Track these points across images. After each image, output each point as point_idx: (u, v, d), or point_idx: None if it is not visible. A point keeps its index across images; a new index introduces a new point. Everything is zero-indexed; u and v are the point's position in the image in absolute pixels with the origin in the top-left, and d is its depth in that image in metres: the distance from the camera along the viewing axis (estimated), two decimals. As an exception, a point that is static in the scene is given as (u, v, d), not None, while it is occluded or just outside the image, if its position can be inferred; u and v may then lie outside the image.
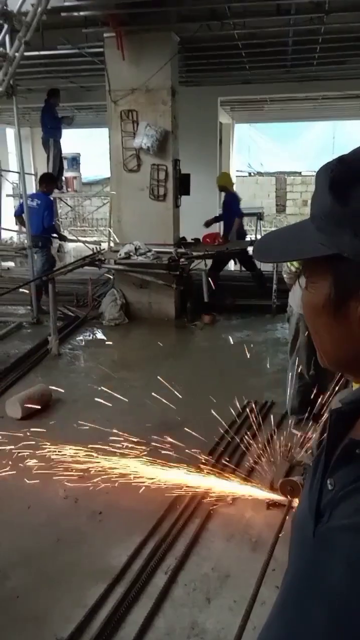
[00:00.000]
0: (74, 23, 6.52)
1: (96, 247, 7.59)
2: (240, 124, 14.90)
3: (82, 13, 6.24)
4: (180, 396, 4.00)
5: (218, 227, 8.73)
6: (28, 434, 3.71)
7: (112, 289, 7.16)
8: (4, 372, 5.16)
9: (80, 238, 9.78)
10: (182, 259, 6.65)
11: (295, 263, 3.40)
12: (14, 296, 6.77)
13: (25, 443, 3.60)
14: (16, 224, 9.31)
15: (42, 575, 2.62)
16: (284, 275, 3.96)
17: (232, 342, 6.16)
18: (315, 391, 3.75)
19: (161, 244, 6.85)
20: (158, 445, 3.44)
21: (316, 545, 0.60)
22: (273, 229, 0.79)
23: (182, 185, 7.12)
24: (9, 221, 10.95)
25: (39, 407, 4.27)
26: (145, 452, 3.43)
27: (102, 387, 4.63)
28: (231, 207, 8.30)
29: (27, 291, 6.73)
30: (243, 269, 8.50)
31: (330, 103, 11.96)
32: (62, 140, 9.61)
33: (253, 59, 8.29)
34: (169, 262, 6.49)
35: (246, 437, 3.75)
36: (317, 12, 6.23)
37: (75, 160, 10.10)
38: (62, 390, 4.64)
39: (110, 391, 4.60)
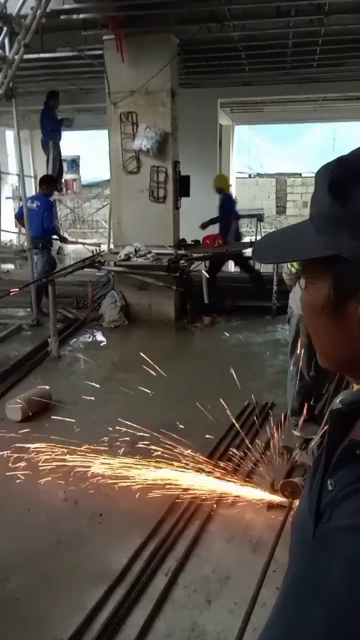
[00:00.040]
0: (74, 26, 6.53)
1: (96, 249, 7.60)
2: (240, 125, 14.92)
3: (81, 16, 6.25)
4: (180, 397, 4.00)
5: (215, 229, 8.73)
6: (28, 436, 3.71)
7: (112, 290, 7.17)
8: (4, 374, 5.16)
9: (80, 240, 9.78)
10: (182, 261, 6.65)
11: (295, 264, 3.40)
12: (13, 298, 6.77)
13: (24, 445, 3.60)
14: (16, 226, 9.33)
15: (42, 577, 2.62)
16: (284, 277, 3.96)
17: (232, 344, 6.17)
18: (315, 392, 3.75)
19: (161, 245, 6.85)
20: (158, 446, 3.43)
21: (316, 545, 0.60)
22: (273, 230, 0.79)
23: (182, 187, 7.13)
24: (9, 223, 10.96)
25: (39, 409, 4.27)
26: (145, 454, 3.43)
27: (102, 389, 4.64)
28: (227, 209, 8.31)
29: (32, 295, 6.71)
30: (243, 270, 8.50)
31: (330, 105, 11.99)
32: (61, 143, 9.63)
33: (253, 60, 8.31)
34: (169, 264, 6.49)
35: (246, 438, 3.75)
36: (317, 14, 6.24)
37: (74, 163, 10.12)
38: (62, 392, 4.64)
39: (110, 393, 4.61)
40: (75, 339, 6.41)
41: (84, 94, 10.35)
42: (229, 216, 8.30)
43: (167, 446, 3.40)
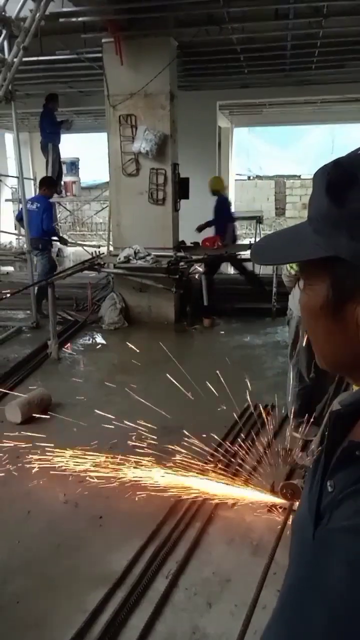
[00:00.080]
0: (73, 28, 6.54)
1: (95, 252, 7.60)
2: (239, 127, 14.94)
3: (80, 19, 6.27)
4: (180, 399, 4.00)
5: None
6: (28, 438, 3.70)
7: (112, 292, 7.17)
8: (4, 376, 5.15)
9: (79, 242, 9.79)
10: (181, 263, 6.65)
11: (294, 266, 3.40)
12: (13, 300, 6.78)
13: (24, 447, 3.60)
14: (16, 228, 9.33)
15: (43, 579, 2.61)
16: (284, 279, 3.97)
17: (232, 346, 6.17)
18: (315, 394, 3.74)
19: (160, 247, 6.86)
20: (158, 448, 3.43)
21: (316, 546, 0.60)
22: (272, 232, 0.79)
23: (181, 189, 7.14)
24: (9, 225, 10.97)
25: (39, 411, 4.26)
26: (145, 456, 3.42)
27: (102, 391, 4.64)
28: (222, 212, 8.31)
29: (31, 297, 6.71)
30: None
31: (329, 107, 12.01)
32: (60, 145, 9.64)
33: (251, 63, 8.32)
34: (169, 266, 6.50)
35: (246, 440, 3.74)
36: (315, 16, 6.25)
37: (74, 165, 10.10)
38: (62, 394, 4.64)
39: (109, 395, 4.60)
40: (75, 341, 6.41)
41: (83, 96, 10.37)
42: (225, 218, 8.30)
43: (167, 448, 3.40)
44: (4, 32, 5.63)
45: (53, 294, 5.85)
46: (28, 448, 3.59)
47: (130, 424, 3.67)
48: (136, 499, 3.13)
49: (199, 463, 3.35)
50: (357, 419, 0.64)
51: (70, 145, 12.57)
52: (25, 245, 7.10)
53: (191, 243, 7.76)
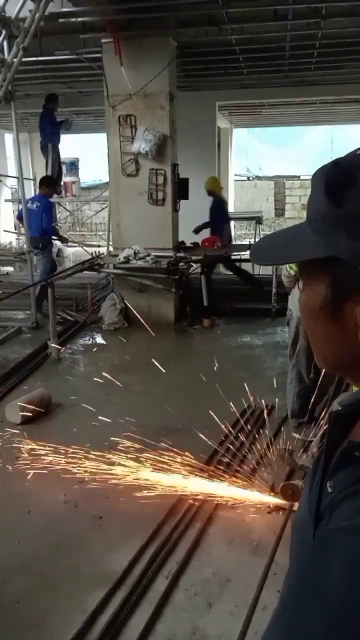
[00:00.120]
0: (72, 29, 6.54)
1: (95, 252, 7.60)
2: (238, 128, 14.96)
3: (80, 19, 6.27)
4: (179, 399, 4.00)
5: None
6: (27, 438, 3.70)
7: (112, 293, 7.17)
8: (4, 376, 5.15)
9: (79, 242, 9.79)
10: (181, 263, 6.65)
11: (294, 266, 3.41)
12: (13, 300, 6.78)
13: (24, 448, 3.59)
14: (16, 228, 9.34)
15: (43, 579, 2.61)
16: (283, 279, 3.97)
17: (231, 346, 6.17)
18: (315, 394, 3.74)
19: (160, 248, 6.86)
20: (158, 449, 3.43)
21: (316, 547, 0.60)
22: (271, 232, 0.79)
23: (181, 189, 7.14)
24: (9, 225, 10.97)
25: (39, 411, 4.26)
26: (145, 456, 3.42)
27: (102, 392, 4.63)
28: (219, 212, 8.31)
29: (31, 298, 6.71)
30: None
31: (327, 107, 12.01)
32: (60, 145, 9.64)
33: (251, 63, 8.33)
34: (168, 266, 6.50)
35: (246, 440, 3.74)
36: (314, 17, 6.26)
37: (73, 165, 10.11)
38: (62, 395, 4.64)
39: (109, 395, 4.60)
40: (75, 342, 6.41)
41: (82, 97, 10.37)
42: (221, 219, 8.30)
43: (167, 448, 3.40)
44: (3, 32, 5.63)
45: (53, 294, 5.86)
46: (28, 448, 3.59)
47: (130, 424, 3.67)
48: (137, 498, 3.13)
49: (198, 463, 3.35)
50: (356, 419, 0.64)
51: (70, 145, 12.60)
52: (25, 246, 7.11)
53: (191, 243, 7.77)
